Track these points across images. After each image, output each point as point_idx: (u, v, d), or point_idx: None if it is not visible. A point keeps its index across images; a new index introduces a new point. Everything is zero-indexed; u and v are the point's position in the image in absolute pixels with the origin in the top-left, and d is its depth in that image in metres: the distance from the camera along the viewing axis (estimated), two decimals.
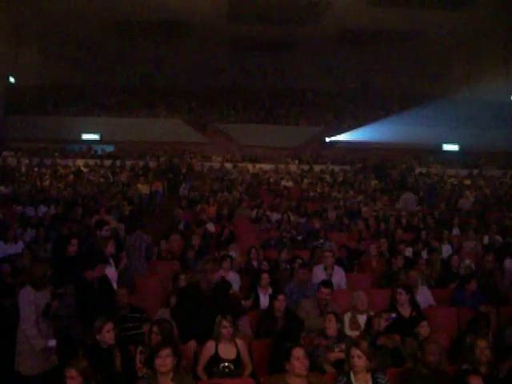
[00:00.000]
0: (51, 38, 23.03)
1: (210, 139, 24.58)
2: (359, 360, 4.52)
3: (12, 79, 24.40)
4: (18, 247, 9.06)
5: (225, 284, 6.19)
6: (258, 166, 21.32)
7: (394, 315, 5.99)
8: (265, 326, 5.89)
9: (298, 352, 4.44)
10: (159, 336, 4.87)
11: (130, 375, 4.68)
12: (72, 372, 4.05)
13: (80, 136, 24.18)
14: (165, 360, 4.20)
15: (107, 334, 4.74)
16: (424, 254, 9.46)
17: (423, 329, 5.49)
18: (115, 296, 5.96)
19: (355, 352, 4.55)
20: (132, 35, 22.08)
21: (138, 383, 4.43)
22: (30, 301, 5.12)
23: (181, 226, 11.08)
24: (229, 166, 20.64)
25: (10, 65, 23.30)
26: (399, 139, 23.05)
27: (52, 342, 5.09)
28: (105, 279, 5.96)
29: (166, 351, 4.24)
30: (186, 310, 5.55)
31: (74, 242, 6.56)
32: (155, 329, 4.96)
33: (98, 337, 4.74)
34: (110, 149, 23.33)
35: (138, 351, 4.92)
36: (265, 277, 6.95)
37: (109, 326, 4.77)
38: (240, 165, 20.94)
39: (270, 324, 5.84)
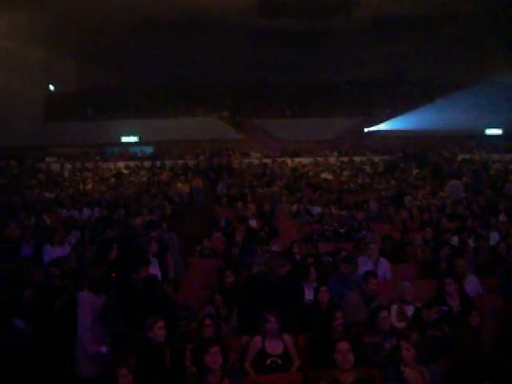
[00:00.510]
0: (86, 43, 23.38)
1: (248, 135, 24.62)
2: (408, 352, 4.46)
3: (52, 87, 24.98)
4: (65, 250, 9.22)
5: (292, 277, 6.27)
6: (296, 160, 21.24)
7: (445, 308, 5.87)
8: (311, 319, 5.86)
9: (343, 346, 4.41)
10: (213, 328, 4.91)
11: (180, 372, 4.72)
12: (123, 371, 4.12)
13: (119, 139, 24.64)
14: (215, 357, 4.22)
15: (159, 332, 4.82)
16: (471, 242, 9.26)
17: (474, 319, 5.36)
18: (166, 294, 6.02)
19: (404, 345, 4.50)
20: (164, 35, 22.21)
21: (187, 380, 4.45)
22: (88, 305, 5.21)
23: (222, 224, 11.12)
24: (267, 161, 20.62)
25: (48, 72, 23.83)
26: (439, 126, 22.61)
27: (104, 349, 5.12)
28: (152, 279, 6.00)
29: (215, 348, 4.26)
30: (255, 302, 5.59)
31: (115, 246, 6.63)
32: (208, 322, 5.00)
33: (149, 334, 4.81)
34: (149, 150, 23.65)
35: (188, 349, 4.95)
36: (312, 271, 6.90)
37: (160, 323, 4.85)
38: (279, 159, 20.89)
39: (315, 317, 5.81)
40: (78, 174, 19.23)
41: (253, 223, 11.25)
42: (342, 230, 10.94)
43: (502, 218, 11.74)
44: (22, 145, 21.49)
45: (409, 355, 4.46)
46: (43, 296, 6.56)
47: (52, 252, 9.31)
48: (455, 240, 9.45)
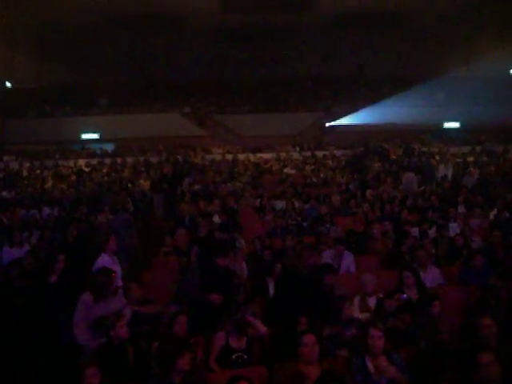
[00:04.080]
0: (45, 40, 22.92)
1: (210, 132, 24.54)
2: (379, 341, 4.48)
3: (8, 83, 24.36)
4: (24, 251, 9.03)
5: (323, 268, 6.38)
6: (259, 155, 21.27)
7: (404, 296, 5.97)
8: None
9: (309, 338, 4.42)
10: (185, 326, 4.91)
11: (144, 372, 4.67)
12: (92, 369, 4.09)
13: (79, 136, 24.20)
14: (186, 361, 4.20)
15: (121, 330, 4.76)
16: (431, 233, 9.43)
17: (435, 308, 5.46)
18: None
19: (376, 333, 4.51)
20: (126, 30, 21.94)
21: (152, 380, 4.40)
22: (84, 308, 5.21)
23: (186, 221, 11.04)
24: (230, 157, 20.58)
25: (6, 69, 23.24)
26: (398, 120, 22.91)
27: None
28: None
29: (188, 354, 4.25)
30: (287, 294, 5.69)
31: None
32: (181, 319, 4.96)
33: (112, 333, 4.76)
34: (110, 147, 23.32)
35: (155, 348, 4.89)
36: (278, 267, 6.92)
37: (123, 321, 4.82)
38: (241, 155, 20.89)
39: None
40: (38, 172, 18.82)
41: (216, 219, 11.21)
42: (305, 224, 11.03)
43: (461, 209, 12.00)
44: None
45: (379, 344, 4.49)
46: (2, 297, 6.43)
47: (11, 253, 9.12)
48: (415, 231, 9.62)
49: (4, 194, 15.29)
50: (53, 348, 5.56)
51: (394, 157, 19.14)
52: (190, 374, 4.26)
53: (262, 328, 5.26)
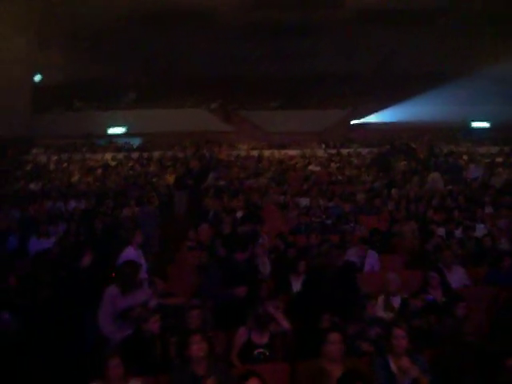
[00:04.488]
0: (74, 35, 23.17)
1: (236, 127, 24.56)
2: (403, 341, 4.43)
3: (38, 78, 24.70)
4: (50, 242, 9.16)
5: (351, 266, 6.45)
6: (284, 151, 21.24)
7: (430, 297, 5.90)
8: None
9: (335, 336, 4.40)
10: (198, 320, 4.93)
11: (167, 364, 4.72)
12: (115, 360, 4.13)
13: (107, 130, 24.45)
14: (198, 346, 4.24)
15: (154, 325, 4.82)
16: (458, 234, 9.31)
17: (461, 310, 5.39)
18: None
19: (399, 332, 4.47)
20: (154, 26, 22.05)
21: (174, 371, 4.43)
22: (110, 300, 5.29)
23: (210, 215, 11.07)
24: (255, 153, 20.59)
25: (36, 64, 23.57)
26: (426, 118, 22.66)
27: None
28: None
29: (197, 337, 4.29)
30: (314, 291, 5.74)
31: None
32: (194, 313, 5.00)
33: (143, 326, 4.83)
34: (136, 141, 23.52)
35: (172, 341, 4.93)
36: (302, 264, 6.89)
37: (156, 317, 4.89)
38: (266, 151, 20.87)
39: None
40: (65, 165, 19.07)
41: (240, 214, 11.21)
42: (329, 222, 10.98)
43: (488, 209, 11.82)
44: (8, 136, 21.26)
45: (403, 344, 4.44)
46: (28, 287, 6.53)
47: (37, 244, 9.26)
48: (442, 231, 9.50)
49: (32, 186, 15.52)
50: (78, 339, 5.63)
51: (421, 156, 18.90)
52: (213, 366, 4.28)
53: (285, 323, 5.26)
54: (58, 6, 19.96)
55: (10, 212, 11.61)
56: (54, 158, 20.36)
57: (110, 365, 4.10)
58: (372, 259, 7.83)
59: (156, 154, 20.26)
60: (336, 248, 6.67)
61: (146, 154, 20.29)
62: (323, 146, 22.62)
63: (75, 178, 16.77)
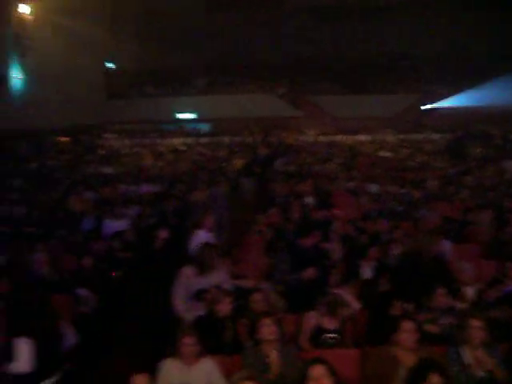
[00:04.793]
0: (146, 22, 23.71)
1: (304, 113, 24.42)
2: (480, 332, 4.29)
3: (111, 65, 25.48)
4: (124, 224, 9.44)
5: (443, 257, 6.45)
6: (353, 137, 20.96)
7: (510, 287, 5.69)
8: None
9: (408, 325, 4.32)
10: (262, 303, 4.95)
11: (238, 345, 4.79)
12: (189, 339, 4.24)
13: (177, 116, 24.91)
14: (269, 328, 4.28)
15: (225, 307, 4.90)
16: None
17: None
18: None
19: (476, 323, 4.33)
20: (220, 12, 22.22)
21: (246, 353, 4.48)
22: (185, 280, 5.47)
23: (279, 200, 11.08)
24: (323, 138, 20.43)
25: (109, 51, 24.30)
26: (502, 103, 21.68)
27: None
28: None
29: (268, 320, 4.33)
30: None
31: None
32: (258, 297, 5.04)
33: (215, 307, 4.92)
34: (205, 127, 23.85)
35: (242, 323, 5.01)
36: (373, 250, 6.82)
37: (228, 299, 4.97)
38: (335, 137, 20.67)
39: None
40: (136, 150, 19.60)
41: (309, 200, 11.16)
42: (399, 209, 10.76)
43: None
44: (84, 122, 22.07)
45: (480, 335, 4.31)
46: (105, 267, 6.78)
47: (112, 226, 9.55)
48: None
49: (105, 169, 16.03)
50: (152, 318, 5.81)
51: (498, 142, 18.16)
52: (283, 349, 4.32)
53: (356, 304, 5.22)
54: None
55: (84, 194, 12.04)
56: (126, 142, 20.96)
57: (185, 343, 4.20)
58: (445, 248, 7.60)
59: (225, 139, 20.48)
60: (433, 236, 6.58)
61: (214, 139, 20.55)
62: (394, 131, 22.13)
63: (146, 162, 17.20)
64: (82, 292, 6.11)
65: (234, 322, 4.95)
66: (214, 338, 4.68)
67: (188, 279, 5.46)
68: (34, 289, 5.42)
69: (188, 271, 5.52)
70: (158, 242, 6.67)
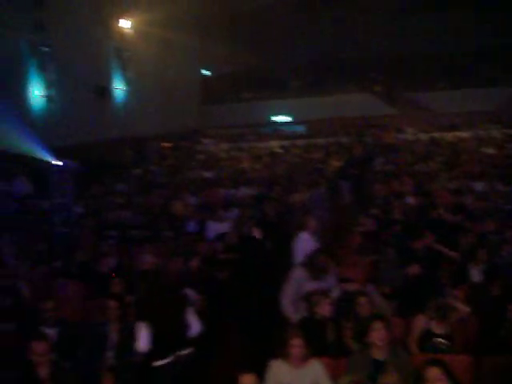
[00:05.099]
0: (236, 28, 24.17)
1: (401, 110, 23.87)
2: None
3: (207, 72, 26.23)
4: (225, 226, 9.68)
5: None
6: (455, 133, 20.21)
7: None
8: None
9: None
10: (367, 307, 4.93)
11: (343, 348, 4.79)
12: (297, 340, 4.28)
13: (272, 119, 25.18)
14: (380, 333, 4.23)
15: (325, 307, 4.96)
16: None
17: None
18: None
19: None
20: (313, 11, 22.21)
21: (353, 356, 4.48)
22: (296, 282, 5.57)
23: (378, 201, 10.91)
24: (423, 136, 19.85)
25: (203, 59, 25.05)
26: None
27: None
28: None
29: (380, 324, 4.28)
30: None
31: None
32: (362, 300, 5.03)
33: (315, 309, 4.98)
34: (301, 129, 23.92)
35: (348, 326, 4.99)
36: (482, 252, 6.57)
37: (328, 299, 4.99)
38: (435, 134, 20.02)
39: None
40: (234, 153, 20.02)
41: (409, 200, 10.91)
42: (508, 208, 10.27)
43: None
44: (183, 129, 22.87)
45: None
46: (210, 268, 6.99)
47: (214, 228, 9.82)
48: None
49: (205, 174, 16.50)
50: (258, 319, 5.93)
51: None
52: (393, 352, 4.29)
53: (464, 309, 5.08)
54: (218, 2, 20.86)
55: (187, 199, 12.48)
56: (223, 146, 21.46)
57: (293, 344, 4.25)
58: None
59: (320, 141, 20.44)
60: None
61: (311, 141, 20.57)
62: (498, 126, 21.07)
63: (244, 166, 17.51)
64: (189, 292, 6.34)
65: (337, 325, 4.96)
66: (316, 339, 4.70)
67: (298, 281, 5.53)
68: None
69: (299, 273, 5.60)
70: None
